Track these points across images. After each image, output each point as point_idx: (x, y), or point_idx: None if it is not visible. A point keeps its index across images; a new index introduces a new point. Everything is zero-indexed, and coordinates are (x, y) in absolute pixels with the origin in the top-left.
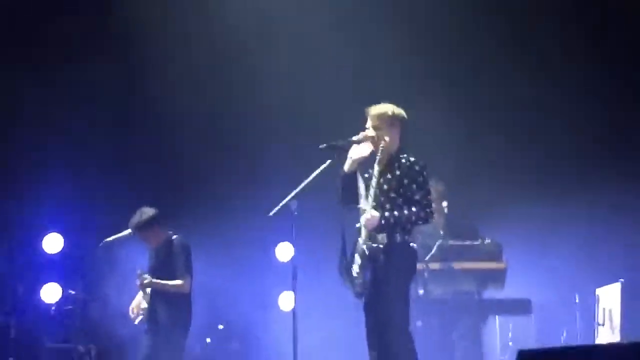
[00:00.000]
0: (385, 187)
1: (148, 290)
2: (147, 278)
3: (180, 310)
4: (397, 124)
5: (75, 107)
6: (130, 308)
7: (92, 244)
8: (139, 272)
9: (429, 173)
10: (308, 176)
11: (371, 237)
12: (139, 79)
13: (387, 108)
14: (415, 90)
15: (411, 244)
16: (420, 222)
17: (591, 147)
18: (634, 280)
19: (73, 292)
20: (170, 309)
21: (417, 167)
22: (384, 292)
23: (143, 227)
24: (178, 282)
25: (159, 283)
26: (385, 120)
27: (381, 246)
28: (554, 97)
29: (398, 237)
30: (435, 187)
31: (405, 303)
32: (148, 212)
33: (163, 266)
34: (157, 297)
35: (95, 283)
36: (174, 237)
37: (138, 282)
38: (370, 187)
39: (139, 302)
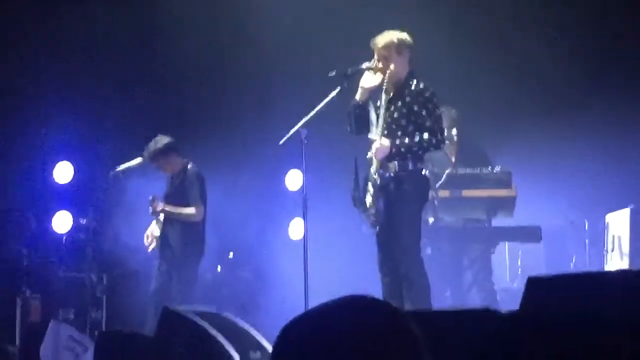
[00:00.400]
0: (395, 114)
1: (161, 217)
2: (160, 204)
3: (193, 239)
4: (403, 51)
5: (83, 35)
6: (145, 235)
7: (103, 172)
8: (151, 197)
9: (440, 99)
10: (318, 104)
11: (383, 166)
12: (147, 5)
13: (392, 36)
14: (421, 18)
15: (423, 171)
16: (432, 149)
17: (602, 72)
18: None
19: (84, 221)
20: (183, 237)
21: (426, 94)
22: (397, 220)
23: (159, 155)
24: (191, 209)
25: (172, 210)
26: (391, 49)
27: (393, 174)
28: (568, 17)
29: (410, 165)
30: (447, 114)
31: (417, 230)
32: (164, 139)
33: (177, 194)
34: (171, 224)
35: (106, 212)
36: (190, 165)
37: (151, 209)
38: (379, 115)
39: (153, 230)
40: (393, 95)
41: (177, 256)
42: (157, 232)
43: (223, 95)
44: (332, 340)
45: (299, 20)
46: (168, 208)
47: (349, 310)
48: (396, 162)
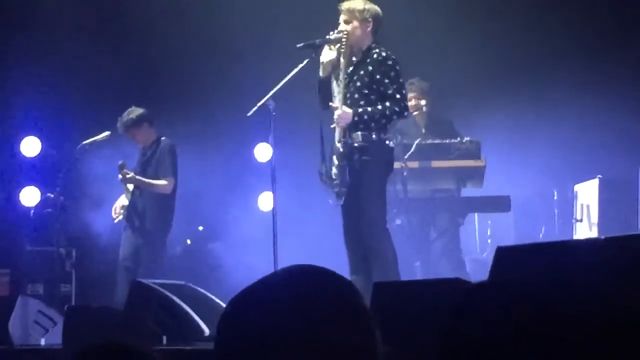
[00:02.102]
0: (358, 84)
1: (130, 187)
2: (130, 173)
3: (162, 211)
4: (368, 19)
5: (51, 7)
6: (113, 208)
7: (70, 146)
8: (120, 162)
9: (411, 71)
10: (286, 75)
11: (346, 135)
12: None
13: (359, 2)
14: None
15: (387, 142)
16: (395, 117)
17: (571, 42)
18: (611, 176)
19: (52, 195)
20: (152, 209)
21: (389, 62)
22: (361, 191)
23: (132, 125)
24: (163, 182)
25: (141, 180)
26: (355, 15)
27: (357, 145)
28: None
29: (374, 135)
30: (418, 84)
31: (383, 201)
32: (137, 110)
33: (148, 166)
34: (140, 195)
35: (74, 186)
36: (163, 138)
37: (120, 175)
38: (340, 83)
39: (121, 202)
40: (355, 64)
41: (146, 227)
42: (126, 202)
43: (190, 68)
44: (275, 312)
45: None
46: (139, 177)
47: (294, 281)
48: (359, 133)
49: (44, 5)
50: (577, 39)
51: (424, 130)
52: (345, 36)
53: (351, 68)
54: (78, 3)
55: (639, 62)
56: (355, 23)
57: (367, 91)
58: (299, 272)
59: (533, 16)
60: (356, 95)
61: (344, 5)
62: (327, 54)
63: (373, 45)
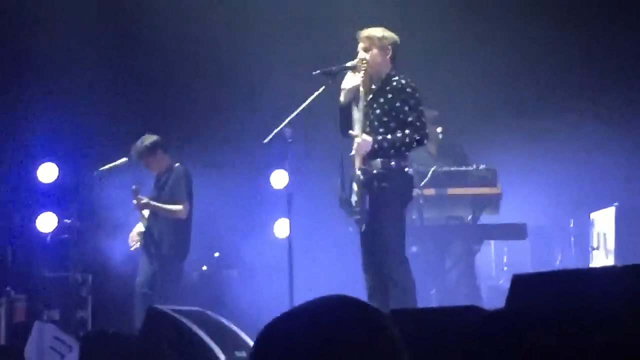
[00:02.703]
0: (377, 111)
1: (146, 213)
2: (144, 198)
3: (178, 236)
4: (387, 47)
5: (66, 34)
6: (130, 235)
7: (87, 173)
8: (134, 187)
9: (423, 99)
10: (303, 103)
11: (366, 162)
12: (131, 4)
13: (378, 30)
14: (406, 17)
15: (407, 170)
16: (415, 145)
17: (586, 72)
18: (628, 204)
19: (69, 221)
20: (168, 234)
21: (409, 89)
22: (381, 219)
23: (146, 153)
24: (177, 206)
25: (155, 205)
26: (374, 42)
27: (376, 172)
28: (553, 19)
29: (393, 163)
30: (427, 114)
31: (402, 229)
32: (151, 137)
33: (163, 192)
34: (156, 221)
35: (90, 212)
36: (177, 164)
37: (135, 201)
38: (361, 111)
39: (138, 229)
40: (375, 92)
41: (163, 253)
42: (142, 229)
43: (208, 95)
44: (310, 341)
45: (285, 19)
46: (153, 203)
47: (328, 311)
48: (379, 160)
49: (62, 33)
50: (595, 67)
51: (435, 155)
52: (364, 64)
53: (371, 96)
54: (97, 32)
55: None
56: (375, 51)
57: (386, 119)
58: (332, 302)
59: (550, 44)
60: (376, 123)
61: (363, 33)
62: (350, 80)
63: (393, 73)
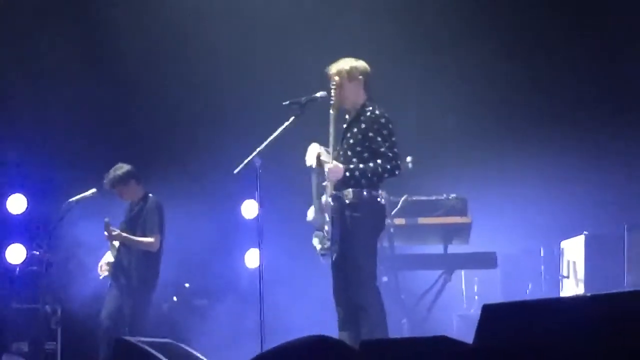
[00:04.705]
0: (351, 140)
1: (116, 243)
2: (115, 230)
3: (148, 268)
4: (358, 78)
5: (37, 66)
6: (99, 265)
7: (57, 204)
8: (106, 220)
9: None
10: (272, 133)
11: (337, 189)
12: (103, 35)
13: (345, 64)
14: (378, 44)
15: (379, 199)
16: (387, 175)
17: (557, 100)
18: (597, 232)
19: (37, 253)
20: (139, 266)
21: (382, 120)
22: (352, 248)
23: (118, 182)
24: (149, 239)
25: (127, 237)
26: (344, 76)
27: (348, 202)
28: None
29: (365, 192)
30: None
31: (373, 258)
32: (124, 167)
33: (135, 223)
34: (126, 252)
35: (59, 243)
36: (150, 195)
37: (106, 233)
38: (332, 138)
39: (107, 259)
40: (349, 122)
41: (132, 285)
42: (111, 259)
43: (178, 125)
44: None
45: (253, 49)
46: (125, 235)
47: (309, 352)
48: (351, 190)
49: (30, 66)
50: (564, 97)
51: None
52: (332, 96)
53: (345, 125)
54: (65, 61)
55: (625, 122)
56: (346, 84)
57: (359, 148)
58: (310, 343)
59: (521, 75)
60: (349, 153)
61: (332, 70)
62: (312, 153)
63: (367, 103)
